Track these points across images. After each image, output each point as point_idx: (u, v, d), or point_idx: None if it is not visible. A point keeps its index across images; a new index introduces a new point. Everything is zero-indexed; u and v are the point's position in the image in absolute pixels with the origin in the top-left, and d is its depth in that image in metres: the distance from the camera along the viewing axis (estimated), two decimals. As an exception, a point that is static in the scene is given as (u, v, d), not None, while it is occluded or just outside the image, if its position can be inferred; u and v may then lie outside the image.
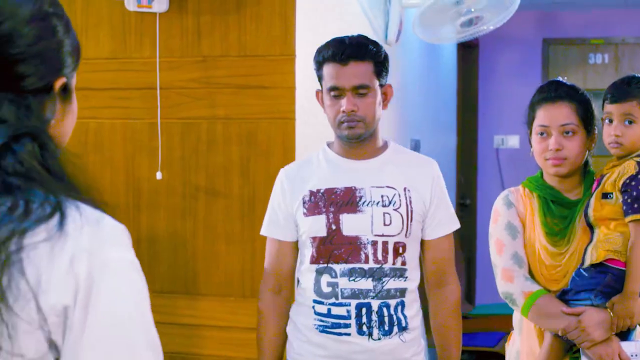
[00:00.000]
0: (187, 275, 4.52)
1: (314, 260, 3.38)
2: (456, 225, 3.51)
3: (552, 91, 3.45)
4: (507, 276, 3.40)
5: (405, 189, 3.38)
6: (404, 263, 3.35)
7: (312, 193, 3.41)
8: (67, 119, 1.64)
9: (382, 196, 3.35)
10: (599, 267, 3.25)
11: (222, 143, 4.45)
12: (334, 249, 3.34)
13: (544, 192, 3.47)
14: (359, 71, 3.32)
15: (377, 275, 3.31)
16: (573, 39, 9.63)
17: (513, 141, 9.54)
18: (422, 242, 3.47)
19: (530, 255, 3.43)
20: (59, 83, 1.59)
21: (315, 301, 3.39)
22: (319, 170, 3.47)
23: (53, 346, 1.41)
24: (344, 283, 3.31)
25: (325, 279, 3.35)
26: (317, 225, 3.36)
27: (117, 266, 1.47)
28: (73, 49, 1.63)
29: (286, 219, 3.48)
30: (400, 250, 3.35)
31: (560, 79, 3.53)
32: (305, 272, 3.42)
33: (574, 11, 9.55)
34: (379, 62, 3.36)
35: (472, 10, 5.40)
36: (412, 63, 6.93)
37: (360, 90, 3.32)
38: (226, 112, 4.43)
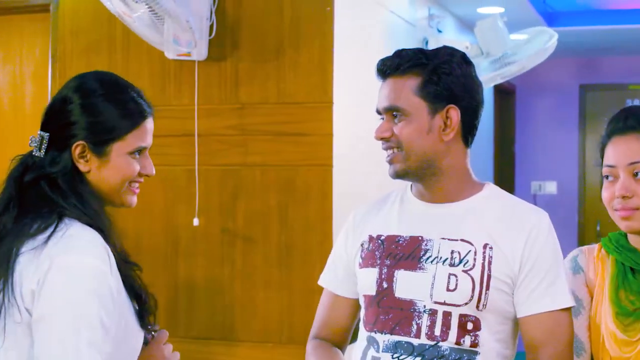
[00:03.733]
0: (224, 322, 4.52)
1: (364, 326, 2.61)
2: (564, 301, 2.50)
3: (621, 121, 2.56)
4: None
5: (485, 245, 2.49)
6: (474, 344, 2.46)
7: (371, 239, 2.64)
8: (104, 169, 2.27)
9: (452, 252, 2.50)
10: None
11: (260, 190, 4.46)
12: (380, 313, 2.54)
13: (623, 256, 2.55)
14: (393, 89, 2.54)
15: (428, 355, 2.46)
16: (610, 85, 9.62)
17: (550, 187, 9.51)
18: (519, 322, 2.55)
19: (594, 340, 2.56)
20: (75, 145, 2.24)
21: None
22: (389, 212, 2.67)
23: (29, 313, 2.10)
24: None
25: (370, 352, 2.56)
26: (368, 281, 2.59)
27: (70, 267, 2.11)
28: (94, 124, 2.25)
29: (346, 269, 2.71)
30: (470, 327, 2.47)
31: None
32: (359, 340, 2.64)
33: (610, 57, 9.55)
34: (432, 78, 2.51)
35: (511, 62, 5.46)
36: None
37: (394, 113, 2.54)
38: (264, 159, 4.45)
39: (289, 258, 4.41)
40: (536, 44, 5.69)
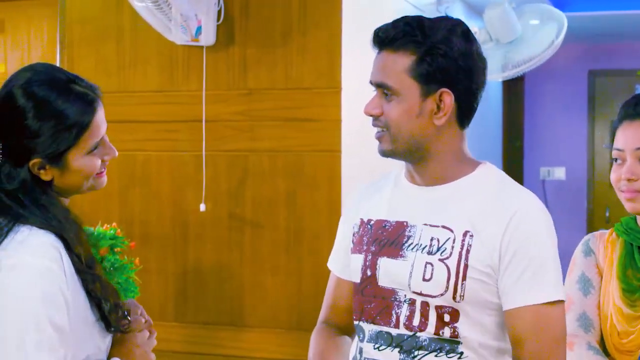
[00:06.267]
0: (233, 307, 4.53)
1: (353, 314, 2.52)
2: (550, 294, 2.28)
3: (631, 107, 2.66)
4: (567, 342, 2.43)
5: (466, 233, 2.32)
6: (455, 335, 2.31)
7: (362, 223, 2.51)
8: (66, 176, 2.22)
9: (431, 239, 2.35)
10: None
11: (268, 175, 4.46)
12: (364, 302, 2.44)
13: (631, 237, 2.67)
14: (386, 64, 2.36)
15: (407, 345, 2.34)
16: (619, 71, 9.58)
17: (559, 173, 9.49)
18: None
19: (603, 317, 2.66)
20: (32, 163, 2.17)
21: None
22: (382, 195, 2.53)
23: None
24: (368, 350, 2.42)
25: (356, 341, 2.49)
26: (356, 268, 2.47)
27: (16, 268, 2.06)
28: (49, 140, 2.17)
29: (346, 252, 2.57)
30: (447, 318, 2.32)
31: None
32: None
33: (619, 43, 9.51)
34: (426, 58, 2.32)
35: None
36: (457, 95, 6.91)
37: (385, 91, 2.36)
38: (272, 144, 4.45)
39: (297, 244, 4.41)
40: (546, 32, 5.66)
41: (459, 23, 2.38)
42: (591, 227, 9.18)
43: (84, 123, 2.20)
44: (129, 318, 2.32)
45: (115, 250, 3.84)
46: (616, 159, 2.66)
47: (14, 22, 5.38)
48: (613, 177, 2.66)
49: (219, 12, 4.45)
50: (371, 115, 2.38)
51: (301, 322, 4.37)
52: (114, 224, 3.99)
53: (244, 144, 4.50)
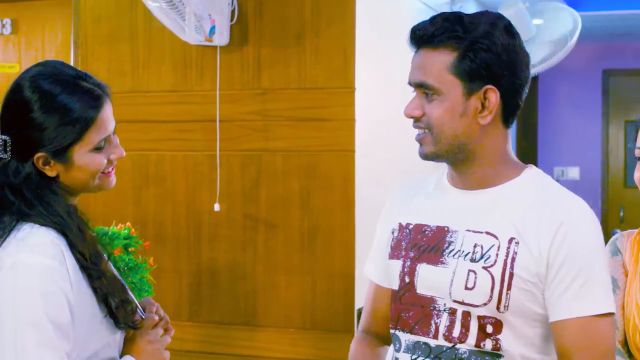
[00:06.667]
0: (246, 307, 4.53)
1: (389, 322, 2.41)
2: (598, 307, 2.17)
3: None
4: None
5: (511, 240, 2.20)
6: (497, 347, 2.20)
7: (400, 227, 2.39)
8: (71, 172, 2.21)
9: (475, 245, 2.23)
10: None
11: (282, 175, 4.46)
12: (402, 310, 2.32)
13: None
14: (425, 62, 2.24)
15: (445, 357, 2.23)
16: (633, 70, 9.55)
17: (573, 173, 9.47)
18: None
19: (626, 318, 2.59)
20: (36, 157, 2.18)
21: None
22: (422, 198, 2.41)
23: None
24: None
25: (391, 350, 2.40)
26: (393, 274, 2.36)
27: (15, 267, 2.06)
28: (54, 134, 2.17)
29: (384, 258, 2.44)
30: (489, 330, 2.20)
31: None
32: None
33: (633, 42, 9.48)
34: (468, 54, 2.20)
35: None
36: (471, 95, 6.89)
37: (425, 90, 2.24)
38: (286, 144, 4.45)
39: (311, 244, 4.41)
40: (560, 32, 5.64)
41: (500, 17, 2.28)
42: (605, 228, 9.15)
43: (89, 118, 2.19)
44: (142, 315, 2.31)
45: (130, 249, 3.85)
46: (639, 158, 2.59)
47: (28, 22, 5.39)
48: (637, 175, 2.59)
49: (233, 12, 4.46)
50: (412, 117, 2.27)
51: (315, 322, 4.37)
52: (128, 223, 4.00)
53: (258, 144, 4.50)
